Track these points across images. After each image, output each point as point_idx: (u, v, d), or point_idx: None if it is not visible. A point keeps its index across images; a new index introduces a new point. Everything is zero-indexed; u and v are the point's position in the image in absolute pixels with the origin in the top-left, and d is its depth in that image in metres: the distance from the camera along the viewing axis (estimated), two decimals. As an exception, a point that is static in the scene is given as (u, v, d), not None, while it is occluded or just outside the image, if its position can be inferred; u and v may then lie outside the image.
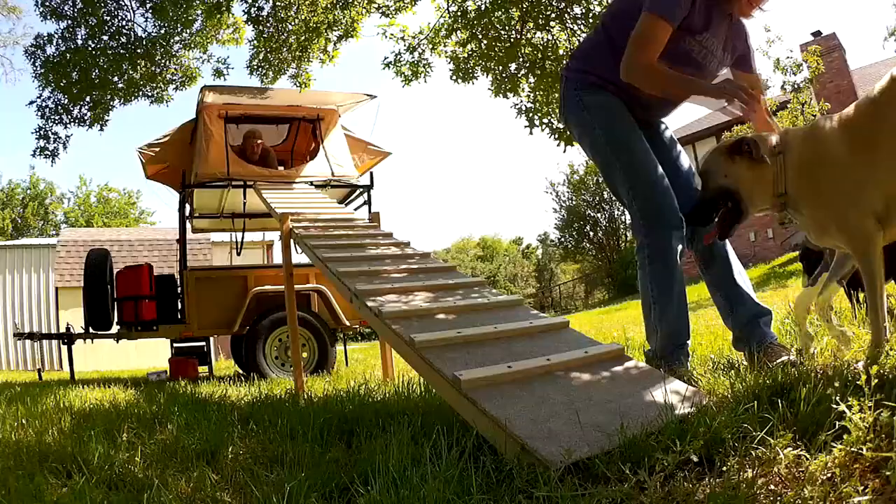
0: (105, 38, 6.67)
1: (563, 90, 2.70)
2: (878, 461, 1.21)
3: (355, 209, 6.92)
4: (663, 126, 2.78)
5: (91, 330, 6.80)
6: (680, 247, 2.45)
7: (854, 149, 1.93)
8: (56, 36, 6.56)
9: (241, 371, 7.11)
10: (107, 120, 6.93)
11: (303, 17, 6.93)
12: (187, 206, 7.36)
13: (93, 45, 6.60)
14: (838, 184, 1.97)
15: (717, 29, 2.45)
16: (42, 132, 6.87)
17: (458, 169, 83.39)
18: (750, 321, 2.47)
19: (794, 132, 2.12)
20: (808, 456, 1.32)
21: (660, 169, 2.47)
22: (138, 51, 6.75)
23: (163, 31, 6.90)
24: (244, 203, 6.50)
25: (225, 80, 7.16)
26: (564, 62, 2.90)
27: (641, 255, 2.51)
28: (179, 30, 6.94)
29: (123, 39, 6.73)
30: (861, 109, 1.97)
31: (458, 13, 6.90)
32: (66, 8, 6.44)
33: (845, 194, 1.95)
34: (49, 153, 6.91)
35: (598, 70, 2.56)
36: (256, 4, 6.81)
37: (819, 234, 2.08)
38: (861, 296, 2.88)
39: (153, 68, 6.97)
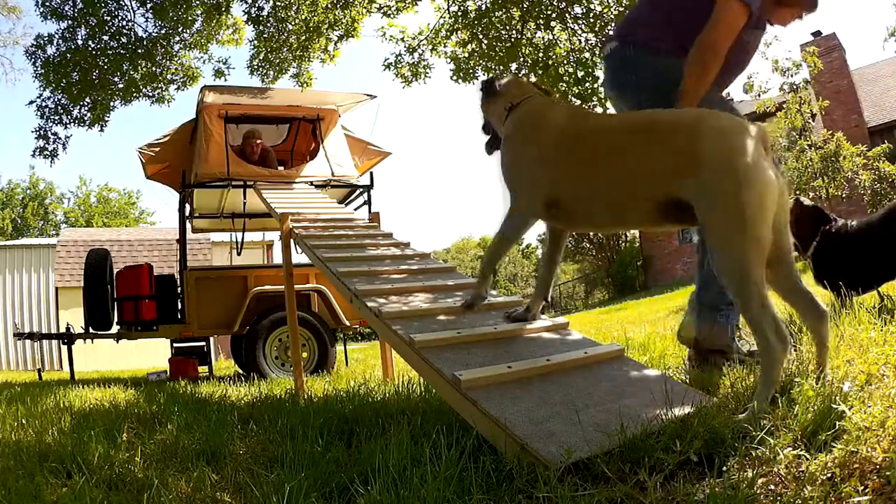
0: (105, 38, 6.66)
1: (629, 54, 2.52)
2: (878, 461, 1.21)
3: (355, 209, 6.92)
4: None
5: (91, 330, 6.80)
6: None
7: (556, 142, 2.15)
8: (56, 36, 6.56)
9: (241, 371, 7.11)
10: (107, 120, 6.93)
11: (303, 16, 6.94)
12: (187, 206, 7.36)
13: (93, 46, 6.60)
14: (526, 160, 2.23)
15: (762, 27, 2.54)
16: (42, 132, 6.87)
17: (458, 169, 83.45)
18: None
19: (540, 100, 2.34)
20: (808, 456, 1.32)
21: None
22: (138, 51, 6.75)
23: (163, 32, 6.90)
24: (244, 203, 6.50)
25: (225, 80, 7.17)
26: (608, 33, 2.95)
27: None
28: (179, 30, 6.94)
29: (124, 39, 6.72)
30: (585, 119, 2.22)
31: (459, 13, 6.91)
32: (66, 8, 6.43)
33: (526, 173, 2.23)
34: (49, 153, 6.92)
35: (669, 37, 2.45)
36: (256, 4, 6.82)
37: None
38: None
39: (153, 68, 6.97)
